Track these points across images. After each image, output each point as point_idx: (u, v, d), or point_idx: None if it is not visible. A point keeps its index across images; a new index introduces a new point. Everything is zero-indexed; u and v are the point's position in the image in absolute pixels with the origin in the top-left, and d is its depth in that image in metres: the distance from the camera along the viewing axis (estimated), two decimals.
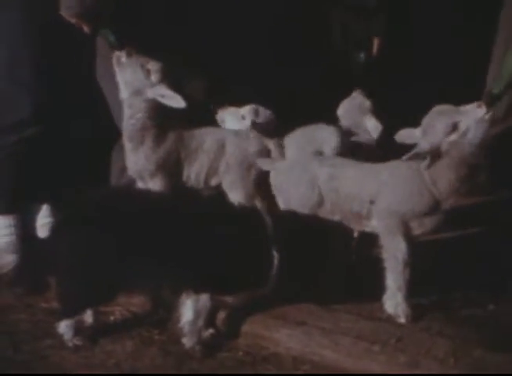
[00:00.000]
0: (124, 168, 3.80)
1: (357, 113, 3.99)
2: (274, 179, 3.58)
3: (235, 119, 3.93)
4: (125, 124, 3.66)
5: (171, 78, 3.64)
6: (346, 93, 4.09)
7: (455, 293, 3.62)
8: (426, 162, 3.19)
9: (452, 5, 5.12)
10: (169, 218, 3.18)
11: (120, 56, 3.62)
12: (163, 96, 3.59)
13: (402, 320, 3.29)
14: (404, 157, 3.22)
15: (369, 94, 4.05)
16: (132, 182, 3.80)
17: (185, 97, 3.61)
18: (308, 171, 3.43)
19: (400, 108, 4.24)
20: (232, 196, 3.73)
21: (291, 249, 3.22)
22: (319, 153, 3.62)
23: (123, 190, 3.68)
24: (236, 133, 3.83)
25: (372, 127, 3.91)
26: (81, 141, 4.05)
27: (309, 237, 3.30)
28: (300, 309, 3.36)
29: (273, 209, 3.57)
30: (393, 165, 3.36)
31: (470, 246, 4.21)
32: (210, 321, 3.28)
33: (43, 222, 3.92)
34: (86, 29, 3.66)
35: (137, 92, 3.61)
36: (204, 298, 3.20)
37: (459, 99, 3.26)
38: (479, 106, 3.17)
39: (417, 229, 3.29)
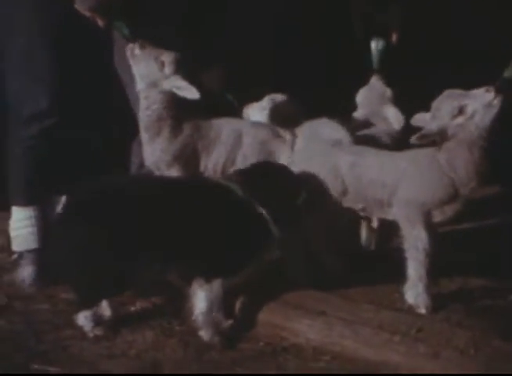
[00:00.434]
0: (143, 163, 3.81)
1: (376, 101, 3.98)
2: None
3: (258, 112, 3.94)
4: (141, 115, 3.67)
5: (185, 69, 3.65)
6: (365, 82, 4.08)
7: (475, 283, 3.63)
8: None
9: None
10: (179, 205, 3.22)
11: (134, 49, 3.63)
12: (178, 88, 3.60)
13: (422, 311, 3.28)
14: (411, 139, 3.22)
15: (388, 82, 4.04)
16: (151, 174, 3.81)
17: (201, 87, 3.61)
18: (330, 160, 3.43)
19: (419, 96, 4.21)
20: None
21: None
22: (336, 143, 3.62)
23: (133, 178, 3.72)
24: (253, 124, 3.83)
25: (393, 117, 3.89)
26: (101, 132, 4.06)
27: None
28: (320, 300, 3.36)
29: None
30: (410, 154, 3.36)
31: (490, 236, 4.21)
32: (226, 310, 3.28)
33: None
34: (100, 22, 3.67)
35: (152, 84, 3.62)
36: (216, 286, 3.21)
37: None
38: (488, 91, 3.17)
39: (438, 217, 3.28)
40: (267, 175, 3.38)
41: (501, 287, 3.60)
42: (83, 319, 3.19)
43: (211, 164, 3.72)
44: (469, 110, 3.16)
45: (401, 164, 3.35)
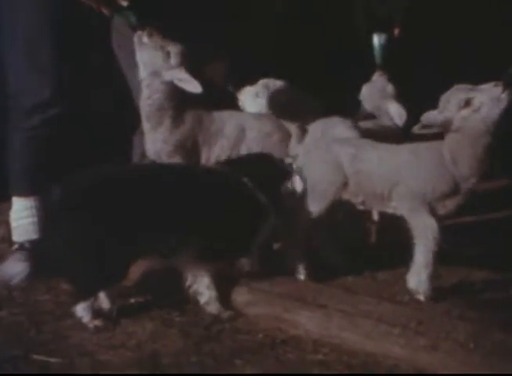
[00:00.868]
0: (145, 153, 3.81)
1: (379, 97, 3.98)
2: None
3: (250, 98, 3.93)
4: (142, 104, 3.68)
5: (190, 62, 3.64)
6: (368, 76, 4.08)
7: (476, 277, 3.63)
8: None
9: None
10: (174, 192, 3.24)
11: (142, 36, 3.63)
12: (180, 80, 3.59)
13: (421, 298, 3.29)
14: (414, 128, 3.22)
15: (390, 77, 4.04)
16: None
17: (206, 80, 3.61)
18: (332, 153, 3.43)
19: (421, 90, 4.21)
20: None
21: None
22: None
23: (127, 167, 3.69)
24: (256, 117, 3.83)
25: (395, 113, 3.90)
26: (102, 122, 4.06)
27: None
28: (320, 292, 3.36)
29: None
30: (412, 146, 3.36)
31: (492, 229, 4.21)
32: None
33: None
34: (105, 11, 3.66)
35: (155, 73, 3.62)
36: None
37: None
38: (496, 85, 3.16)
39: (440, 210, 3.29)
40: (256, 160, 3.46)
41: (502, 280, 3.60)
42: (81, 310, 3.19)
43: (214, 156, 3.72)
44: (476, 102, 3.16)
45: (402, 157, 3.35)
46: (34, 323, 3.26)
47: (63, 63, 3.80)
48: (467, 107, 3.17)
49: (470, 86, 3.22)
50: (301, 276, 3.50)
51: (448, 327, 3.07)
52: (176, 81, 3.60)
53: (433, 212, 3.29)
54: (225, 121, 3.75)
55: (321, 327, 3.18)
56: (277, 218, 3.42)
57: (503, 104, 3.16)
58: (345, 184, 3.41)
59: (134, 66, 3.69)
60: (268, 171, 3.42)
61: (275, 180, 3.45)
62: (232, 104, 4.01)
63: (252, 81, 4.08)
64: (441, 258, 3.37)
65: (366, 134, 3.66)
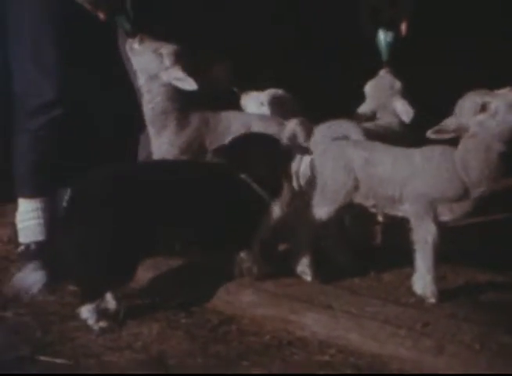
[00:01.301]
0: (151, 155, 3.81)
1: (385, 93, 3.96)
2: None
3: (254, 105, 3.93)
4: (145, 109, 3.68)
5: (188, 61, 3.64)
6: (373, 75, 4.07)
7: (482, 278, 3.62)
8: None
9: None
10: (181, 188, 3.26)
11: (133, 43, 3.63)
12: (177, 79, 3.59)
13: (431, 300, 3.29)
14: (428, 133, 3.21)
15: (397, 73, 4.03)
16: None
17: (210, 81, 3.61)
18: (344, 156, 3.43)
19: (428, 89, 4.21)
20: None
21: None
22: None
23: (132, 167, 3.68)
24: (262, 117, 3.83)
25: (402, 111, 3.88)
26: (108, 124, 4.07)
27: None
28: (326, 294, 3.36)
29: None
30: (426, 149, 3.35)
31: (497, 231, 4.20)
32: None
33: None
34: (101, 16, 3.66)
35: (153, 77, 3.62)
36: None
37: (490, 83, 3.25)
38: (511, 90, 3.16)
39: (446, 215, 3.28)
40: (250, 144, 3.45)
41: (508, 282, 3.59)
42: (86, 312, 3.19)
43: None
44: (492, 107, 3.13)
45: (415, 160, 3.34)
46: (40, 324, 3.26)
47: (68, 63, 3.80)
48: (483, 112, 3.16)
49: (485, 91, 3.20)
50: (308, 278, 3.50)
51: (453, 329, 3.07)
52: (174, 81, 3.60)
53: (439, 218, 3.29)
54: (232, 121, 3.75)
55: (327, 328, 3.18)
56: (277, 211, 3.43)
57: None
58: (356, 187, 3.40)
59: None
60: (270, 165, 3.42)
61: (277, 173, 3.45)
62: (237, 105, 4.01)
63: (257, 83, 4.08)
64: (447, 259, 3.37)
65: (368, 135, 3.66)
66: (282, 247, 3.76)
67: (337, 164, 3.42)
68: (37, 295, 3.26)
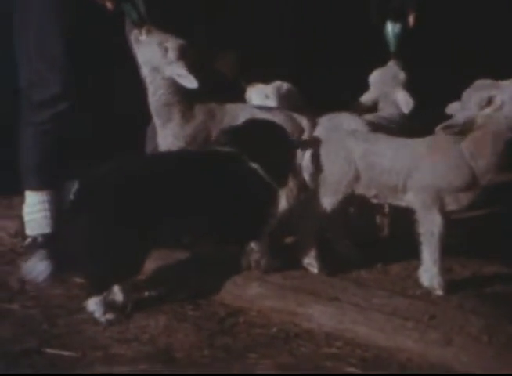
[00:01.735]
0: (157, 147, 3.81)
1: (389, 83, 3.96)
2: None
3: (260, 97, 3.92)
4: (150, 101, 3.68)
5: (193, 55, 3.63)
6: (381, 66, 4.07)
7: (489, 270, 3.62)
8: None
9: None
10: (188, 180, 3.25)
11: (139, 34, 3.63)
12: (178, 75, 3.59)
13: (439, 292, 3.30)
14: (437, 128, 3.21)
15: (403, 66, 4.02)
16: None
17: (216, 73, 3.60)
18: (344, 147, 3.42)
19: (434, 81, 4.20)
20: None
21: None
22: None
23: (138, 159, 3.63)
24: (268, 109, 3.82)
25: (403, 101, 3.88)
26: (114, 117, 4.06)
27: None
28: (333, 286, 3.37)
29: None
30: (431, 139, 3.35)
31: (504, 223, 4.19)
32: None
33: None
34: (109, 5, 3.65)
35: (155, 70, 3.62)
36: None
37: (499, 74, 3.24)
38: None
39: (453, 205, 3.28)
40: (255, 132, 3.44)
41: None
42: (93, 304, 3.19)
43: None
44: (498, 100, 3.14)
45: (419, 149, 3.34)
46: (47, 317, 3.26)
47: (73, 57, 3.80)
48: (489, 105, 3.15)
49: (490, 82, 3.20)
50: (314, 270, 3.49)
51: (461, 321, 3.08)
52: (175, 77, 3.59)
53: (446, 208, 3.29)
54: (238, 113, 3.75)
55: (334, 320, 3.18)
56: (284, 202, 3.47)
57: None
58: (357, 178, 3.40)
59: None
60: (277, 154, 3.41)
61: (284, 163, 3.46)
62: (242, 98, 4.00)
63: (263, 75, 4.07)
64: (454, 251, 3.36)
65: (370, 127, 3.66)
66: (288, 239, 3.76)
67: (338, 155, 3.42)
68: (42, 285, 3.27)
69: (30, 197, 3.90)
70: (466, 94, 3.23)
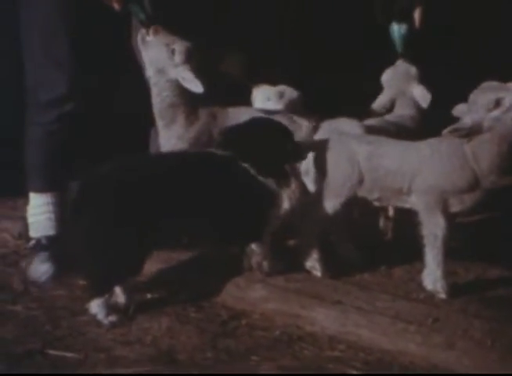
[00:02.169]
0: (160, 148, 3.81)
1: (402, 80, 3.97)
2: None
3: (262, 99, 3.93)
4: (154, 102, 3.68)
5: (196, 59, 3.63)
6: (388, 65, 4.07)
7: (492, 274, 3.62)
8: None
9: None
10: (189, 181, 3.24)
11: (145, 34, 3.63)
12: (184, 79, 3.59)
13: (442, 296, 3.30)
14: (444, 132, 3.20)
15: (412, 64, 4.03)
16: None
17: (222, 75, 3.60)
18: (348, 150, 3.42)
19: (442, 82, 4.20)
20: None
21: None
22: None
23: (138, 160, 3.61)
24: (269, 112, 3.82)
25: (420, 95, 3.89)
26: (119, 118, 4.06)
27: None
28: (336, 289, 3.37)
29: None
30: (435, 141, 3.35)
31: (507, 226, 4.19)
32: None
33: None
34: (116, 6, 3.65)
35: (160, 71, 3.62)
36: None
37: (504, 75, 3.23)
38: None
39: (457, 207, 3.28)
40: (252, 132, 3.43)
41: None
42: (96, 307, 3.20)
43: None
44: (506, 102, 3.14)
45: (423, 152, 3.34)
46: (50, 318, 3.27)
47: (80, 57, 3.80)
48: (497, 108, 3.15)
49: (498, 84, 3.19)
50: (318, 273, 3.49)
51: (464, 325, 3.07)
52: (180, 80, 3.59)
53: (450, 209, 3.28)
54: (239, 116, 3.74)
55: (337, 323, 3.18)
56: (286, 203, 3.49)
57: None
58: (361, 181, 3.40)
59: None
60: (276, 157, 3.41)
61: (284, 166, 3.45)
62: (248, 99, 4.00)
63: (267, 74, 4.07)
64: (458, 255, 3.36)
65: (372, 131, 3.66)
66: (291, 242, 3.76)
67: (342, 158, 3.42)
68: (45, 286, 3.27)
69: (34, 198, 3.89)
70: (473, 96, 3.23)
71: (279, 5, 4.64)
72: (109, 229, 3.13)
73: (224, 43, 4.05)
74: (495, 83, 3.20)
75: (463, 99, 3.26)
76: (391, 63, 4.06)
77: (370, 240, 3.81)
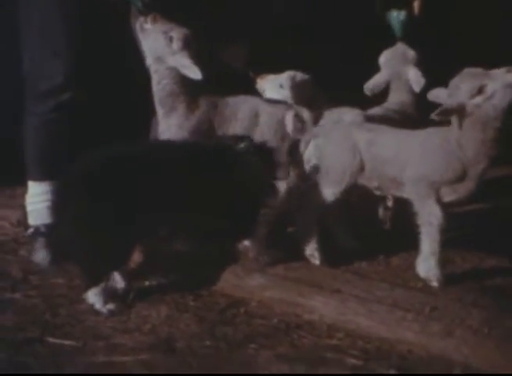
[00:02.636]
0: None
1: (399, 62, 3.97)
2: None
3: (274, 88, 3.92)
4: (154, 90, 3.68)
5: (195, 47, 3.63)
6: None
7: (489, 263, 3.63)
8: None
9: None
10: (181, 171, 3.24)
11: (144, 22, 3.62)
12: (182, 66, 3.58)
13: (434, 284, 3.31)
14: (432, 114, 3.20)
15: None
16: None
17: (224, 64, 3.59)
18: (349, 138, 3.43)
19: (439, 68, 4.20)
20: None
21: None
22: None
23: (132, 150, 3.63)
24: (270, 102, 3.82)
25: (414, 79, 3.88)
26: (119, 107, 4.06)
27: None
28: (335, 277, 3.38)
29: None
30: (425, 132, 3.35)
31: (505, 216, 4.20)
32: None
33: None
34: None
35: (159, 59, 3.62)
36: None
37: (498, 62, 3.23)
38: (509, 71, 3.14)
39: (450, 196, 3.28)
40: None
41: None
42: (93, 296, 3.21)
43: None
44: (488, 90, 3.13)
45: (414, 142, 3.35)
46: (49, 306, 3.27)
47: (77, 47, 3.79)
48: (480, 94, 3.14)
49: (480, 71, 3.18)
50: (316, 261, 3.50)
51: (461, 313, 3.08)
52: (179, 67, 3.59)
53: (442, 199, 3.29)
54: (239, 105, 3.75)
55: (336, 312, 3.18)
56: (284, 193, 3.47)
57: None
58: (362, 168, 3.41)
59: None
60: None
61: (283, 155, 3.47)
62: (250, 89, 4.00)
63: (272, 67, 4.07)
64: (454, 244, 3.36)
65: (375, 120, 3.66)
66: (290, 230, 3.76)
67: (343, 146, 3.42)
68: (44, 274, 3.26)
69: (32, 187, 3.90)
70: (454, 82, 3.21)
71: None
72: (96, 218, 3.12)
73: (223, 31, 4.03)
74: (478, 69, 3.19)
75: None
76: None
77: (369, 229, 3.82)
